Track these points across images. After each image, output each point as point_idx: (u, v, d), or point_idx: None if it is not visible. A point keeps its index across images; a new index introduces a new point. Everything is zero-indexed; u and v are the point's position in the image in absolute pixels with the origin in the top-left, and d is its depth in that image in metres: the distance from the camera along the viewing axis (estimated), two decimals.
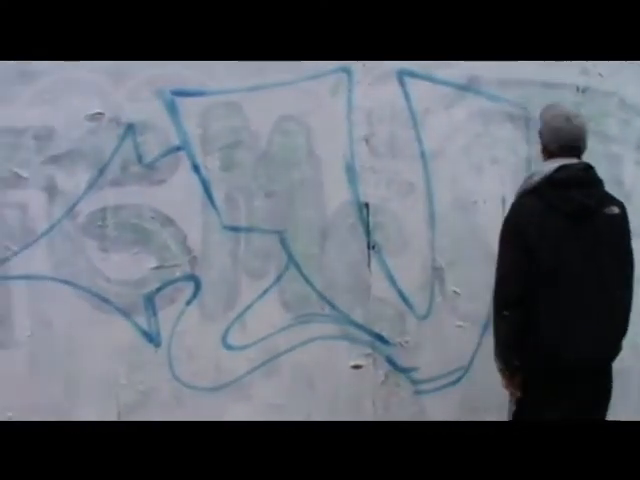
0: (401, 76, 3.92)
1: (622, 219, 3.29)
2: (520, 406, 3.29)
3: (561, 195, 3.15)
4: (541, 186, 3.20)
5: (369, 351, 3.97)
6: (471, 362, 4.08)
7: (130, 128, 3.65)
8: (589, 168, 3.27)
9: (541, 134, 3.38)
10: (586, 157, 3.89)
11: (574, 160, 3.24)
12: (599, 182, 3.29)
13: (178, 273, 3.74)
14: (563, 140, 3.26)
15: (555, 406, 3.14)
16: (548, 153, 3.33)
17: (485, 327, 4.05)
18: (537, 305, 3.15)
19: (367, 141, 3.89)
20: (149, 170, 3.68)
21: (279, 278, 3.83)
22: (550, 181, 3.18)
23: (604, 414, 3.34)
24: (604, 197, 3.28)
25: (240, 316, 3.80)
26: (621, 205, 3.31)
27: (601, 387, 3.31)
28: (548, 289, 3.14)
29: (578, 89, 4.16)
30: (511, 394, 3.36)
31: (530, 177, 3.30)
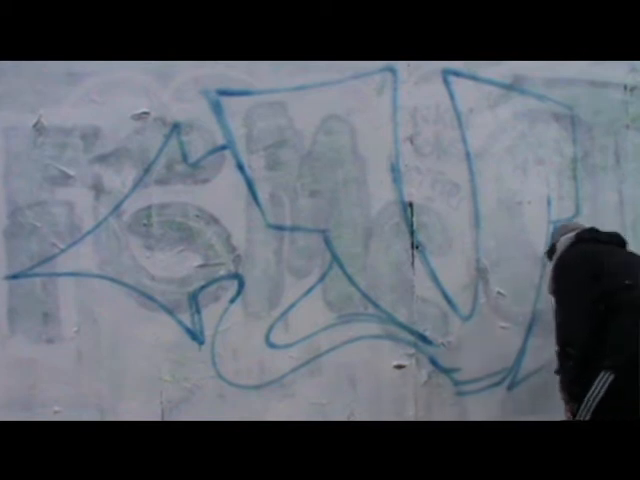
0: (446, 75, 3.90)
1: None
2: (604, 409, 3.26)
3: (599, 233, 3.48)
4: (578, 238, 3.45)
5: (412, 351, 3.96)
6: (515, 364, 4.05)
7: (176, 127, 3.69)
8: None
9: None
10: (633, 156, 3.91)
11: None
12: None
13: (222, 271, 3.76)
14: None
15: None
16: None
17: (529, 328, 4.03)
18: (616, 300, 3.18)
19: (412, 141, 3.88)
20: (194, 169, 3.71)
21: (323, 277, 3.83)
22: (582, 233, 3.48)
23: None
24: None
25: (283, 315, 3.81)
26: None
27: None
28: (628, 283, 3.19)
29: (626, 88, 4.11)
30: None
31: (559, 244, 3.52)
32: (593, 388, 3.27)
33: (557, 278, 3.39)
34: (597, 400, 3.24)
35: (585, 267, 3.26)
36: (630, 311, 3.18)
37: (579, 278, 3.26)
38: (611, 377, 3.19)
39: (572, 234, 3.47)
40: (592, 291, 3.21)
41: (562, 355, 3.32)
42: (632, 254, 3.40)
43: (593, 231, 3.48)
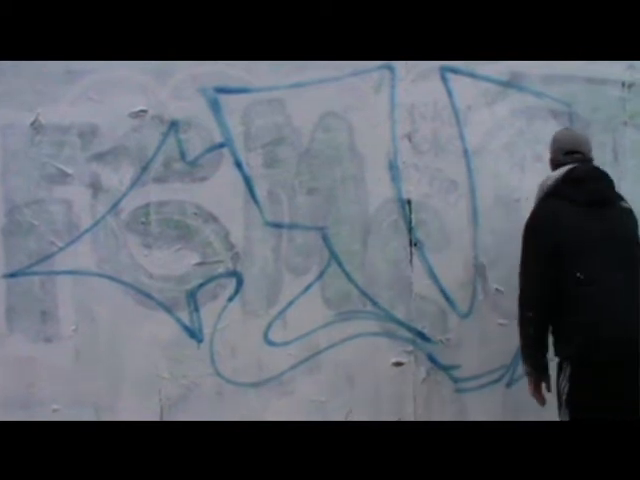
0: (443, 73, 3.90)
1: (633, 214, 3.45)
2: (574, 404, 3.28)
3: (577, 189, 3.32)
4: (557, 186, 3.37)
5: (410, 348, 3.97)
6: (513, 361, 4.05)
7: (173, 125, 3.68)
8: (598, 168, 3.46)
9: (551, 156, 3.59)
10: (631, 153, 3.91)
11: (576, 163, 3.44)
12: (610, 178, 3.44)
13: (220, 269, 3.76)
14: (564, 145, 3.51)
15: (607, 392, 3.17)
16: (555, 166, 3.52)
17: None
18: (574, 292, 3.24)
19: (409, 138, 3.88)
20: (192, 167, 3.70)
21: (321, 275, 3.83)
22: (565, 180, 3.36)
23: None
24: (616, 193, 3.47)
25: (282, 312, 3.82)
26: (627, 202, 3.47)
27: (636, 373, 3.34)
28: (584, 273, 3.23)
29: (624, 85, 4.11)
30: (538, 400, 3.42)
31: (544, 183, 3.45)
32: (560, 380, 3.30)
33: (523, 238, 3.43)
34: (566, 392, 3.28)
35: (544, 238, 3.30)
36: (576, 306, 3.23)
37: (537, 245, 3.33)
38: (568, 368, 3.24)
39: (550, 182, 3.43)
40: (548, 265, 3.27)
41: (523, 322, 3.37)
42: (603, 230, 3.30)
43: (570, 186, 3.36)
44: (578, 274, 3.22)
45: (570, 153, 3.45)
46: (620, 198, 3.44)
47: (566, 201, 3.31)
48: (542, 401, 3.41)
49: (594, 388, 3.19)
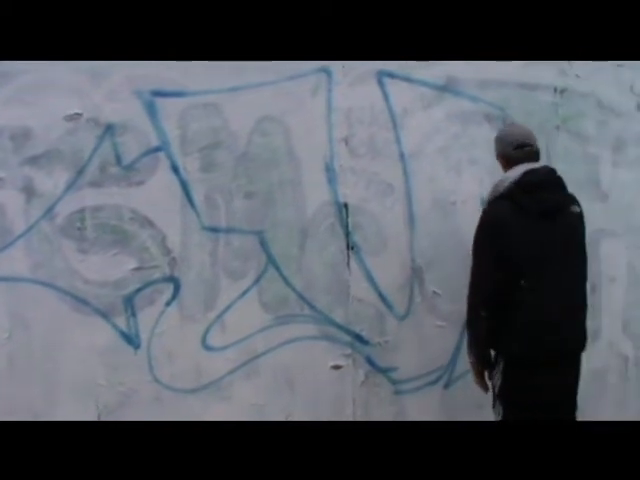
0: (380, 77, 3.92)
1: (582, 218, 3.47)
2: (505, 399, 3.35)
3: (531, 197, 3.30)
4: (511, 190, 3.35)
5: (349, 351, 3.98)
6: (451, 362, 4.10)
7: (109, 129, 3.64)
8: (553, 171, 3.45)
9: (497, 153, 3.58)
10: (564, 157, 3.97)
11: (536, 164, 3.42)
12: (563, 183, 3.45)
13: (157, 274, 3.73)
14: (514, 139, 3.48)
15: (538, 391, 3.24)
16: (507, 161, 3.50)
17: (464, 327, 4.07)
18: (518, 296, 3.28)
19: (346, 142, 3.89)
20: (128, 171, 3.66)
21: (258, 279, 3.83)
22: (519, 185, 3.34)
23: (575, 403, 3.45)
24: (568, 197, 3.45)
25: (220, 317, 3.80)
26: (579, 205, 3.47)
27: (575, 375, 3.44)
28: (528, 281, 3.28)
29: (556, 90, 4.19)
30: (482, 388, 3.48)
31: (499, 183, 3.43)
32: (493, 373, 3.38)
33: (475, 237, 3.42)
34: (498, 386, 3.35)
35: (493, 242, 3.31)
36: (519, 309, 3.29)
37: (488, 247, 3.33)
38: (502, 363, 3.32)
39: (505, 185, 3.39)
40: (497, 267, 3.29)
41: (475, 319, 3.38)
42: (552, 240, 3.33)
43: (524, 193, 3.33)
44: (522, 282, 3.27)
45: (520, 147, 3.44)
46: (572, 201, 3.45)
47: (518, 208, 3.30)
48: (486, 388, 3.46)
49: (525, 386, 3.26)
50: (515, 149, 3.45)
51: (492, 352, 3.43)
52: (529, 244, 3.28)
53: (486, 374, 3.45)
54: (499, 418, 3.39)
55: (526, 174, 3.35)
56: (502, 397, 3.35)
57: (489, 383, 3.45)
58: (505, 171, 3.49)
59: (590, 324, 3.50)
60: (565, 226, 3.37)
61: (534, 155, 3.46)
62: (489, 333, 3.35)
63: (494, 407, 3.41)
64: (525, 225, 3.28)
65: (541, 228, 3.29)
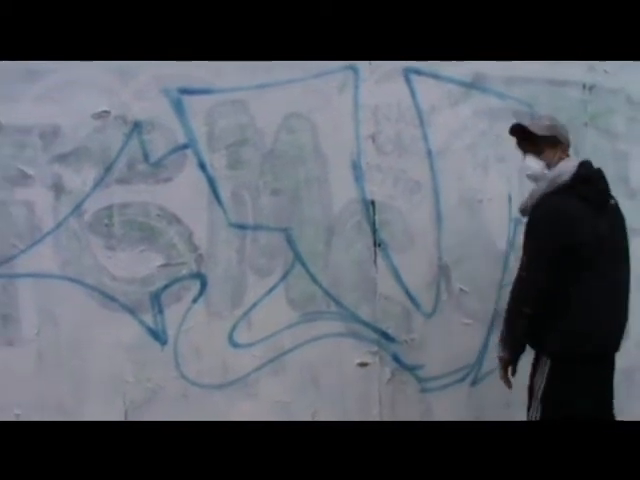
0: (407, 74, 3.92)
1: (621, 211, 3.43)
2: (549, 400, 3.30)
3: (589, 188, 3.25)
4: (573, 182, 3.26)
5: (375, 349, 3.98)
6: (477, 360, 4.09)
7: (137, 126, 3.65)
8: (593, 166, 3.39)
9: (556, 135, 3.40)
10: (592, 154, 3.94)
11: (577, 159, 3.38)
12: (605, 179, 3.39)
13: (184, 271, 3.74)
14: (566, 132, 3.41)
15: (585, 389, 3.21)
16: (566, 145, 3.41)
17: (491, 325, 4.07)
18: (570, 292, 3.21)
19: (373, 139, 3.89)
20: (155, 168, 3.67)
21: (285, 276, 3.83)
22: (579, 177, 3.26)
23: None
24: (609, 191, 3.41)
25: (246, 314, 3.81)
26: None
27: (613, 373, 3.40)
28: (584, 278, 3.20)
29: (584, 86, 4.16)
30: (506, 384, 3.41)
31: (555, 177, 3.30)
32: (536, 376, 3.33)
33: (531, 232, 3.31)
34: (542, 388, 3.31)
35: (557, 235, 3.19)
36: (579, 306, 3.22)
37: (549, 242, 3.21)
38: (548, 363, 3.27)
39: (565, 178, 3.28)
40: (558, 263, 3.19)
41: (516, 315, 3.29)
42: (608, 230, 3.27)
43: (582, 184, 3.26)
44: (582, 275, 3.20)
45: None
46: (611, 196, 3.40)
47: (578, 199, 3.22)
48: (509, 385, 3.41)
49: (571, 384, 3.21)
50: (567, 135, 3.41)
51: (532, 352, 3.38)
52: (595, 234, 3.19)
53: (509, 370, 3.39)
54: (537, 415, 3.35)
55: (581, 166, 3.29)
56: (545, 399, 3.28)
57: (512, 380, 3.40)
58: (557, 157, 3.38)
59: None
60: (612, 218, 3.33)
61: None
62: (531, 332, 3.27)
63: (530, 409, 3.36)
64: (588, 217, 3.20)
65: (600, 220, 3.23)
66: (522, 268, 3.28)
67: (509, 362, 3.38)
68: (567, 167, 3.30)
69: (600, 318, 3.22)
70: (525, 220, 3.36)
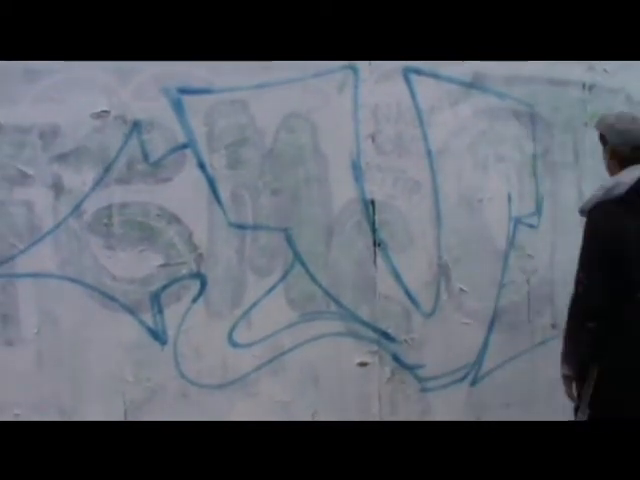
0: (407, 74, 3.91)
1: None
2: (596, 407, 3.23)
3: None
4: (628, 195, 3.15)
5: (375, 348, 3.98)
6: (477, 359, 4.09)
7: (136, 126, 3.65)
8: None
9: (606, 140, 3.30)
10: (592, 154, 3.94)
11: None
12: None
13: (184, 271, 3.74)
14: (633, 141, 3.22)
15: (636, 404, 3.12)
16: (621, 160, 3.26)
17: (491, 324, 4.07)
18: (630, 308, 3.13)
19: (373, 139, 3.88)
20: (155, 168, 3.67)
21: (285, 275, 3.83)
22: (636, 190, 3.14)
23: None
24: None
25: (246, 314, 3.80)
26: None
27: None
28: (631, 288, 3.12)
29: (584, 86, 4.16)
30: (572, 400, 3.33)
31: (613, 187, 3.19)
32: (586, 382, 3.28)
33: (587, 245, 3.21)
34: (589, 397, 3.27)
35: (613, 250, 3.11)
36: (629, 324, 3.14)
37: (605, 257, 3.12)
38: (595, 371, 3.22)
39: (620, 191, 3.15)
40: (616, 276, 3.11)
41: (580, 332, 3.19)
42: None
43: (637, 198, 3.13)
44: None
45: (638, 148, 3.21)
46: None
47: (634, 212, 3.11)
48: (575, 400, 3.30)
49: (619, 393, 3.15)
50: (632, 151, 3.21)
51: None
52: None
53: (574, 385, 3.30)
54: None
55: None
56: (594, 405, 3.20)
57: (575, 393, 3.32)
58: (612, 166, 3.28)
59: None
60: None
61: None
62: (598, 347, 3.17)
63: (576, 415, 3.31)
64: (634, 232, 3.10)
65: None
66: (578, 282, 3.20)
67: (573, 379, 3.28)
68: (623, 180, 3.18)
69: None
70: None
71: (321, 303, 3.89)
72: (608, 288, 3.10)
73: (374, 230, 3.91)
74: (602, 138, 3.33)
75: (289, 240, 3.82)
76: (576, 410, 3.33)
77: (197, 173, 3.71)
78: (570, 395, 3.33)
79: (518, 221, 4.10)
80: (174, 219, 3.70)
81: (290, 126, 3.80)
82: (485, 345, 4.09)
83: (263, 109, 3.75)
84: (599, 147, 3.65)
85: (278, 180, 3.80)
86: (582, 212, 3.31)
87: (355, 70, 3.83)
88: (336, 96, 3.83)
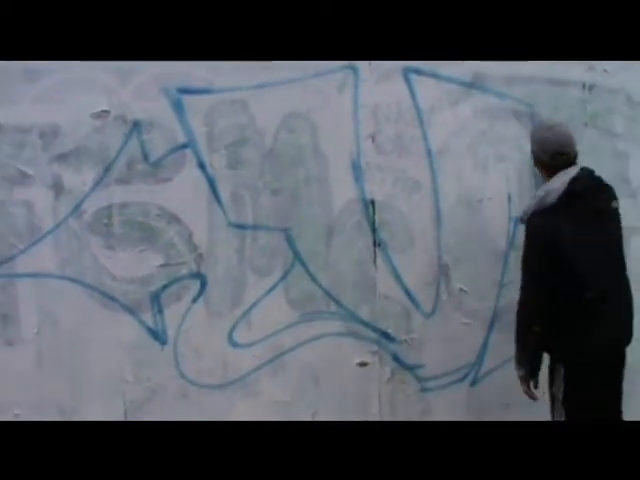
0: (407, 73, 3.91)
1: (619, 214, 3.49)
2: (571, 404, 3.37)
3: (580, 206, 3.29)
4: (560, 201, 3.31)
5: (375, 348, 3.98)
6: (477, 360, 4.09)
7: (136, 126, 3.65)
8: (592, 172, 3.44)
9: (532, 152, 3.55)
10: (592, 154, 3.92)
11: (575, 170, 3.39)
12: (606, 185, 3.46)
13: (184, 271, 3.74)
14: (550, 147, 3.42)
15: (602, 389, 3.30)
16: (544, 167, 3.49)
17: (491, 325, 4.07)
18: (568, 304, 3.31)
19: (373, 139, 3.88)
20: (155, 168, 3.67)
21: (285, 275, 3.83)
22: (567, 195, 3.30)
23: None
24: (609, 195, 3.45)
25: (246, 314, 3.81)
26: (617, 198, 3.48)
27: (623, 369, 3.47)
28: (578, 289, 3.29)
29: (584, 86, 4.15)
30: (531, 398, 3.49)
31: (544, 196, 3.36)
32: (554, 385, 3.37)
33: (526, 254, 3.40)
34: (561, 395, 3.34)
35: (551, 256, 3.27)
36: (582, 319, 3.30)
37: (545, 263, 3.29)
38: (562, 369, 3.31)
39: (551, 199, 3.34)
40: (555, 282, 3.28)
41: (526, 335, 3.38)
42: (605, 241, 3.37)
43: (573, 202, 3.31)
44: (588, 292, 3.28)
45: (558, 155, 3.41)
46: (612, 196, 3.45)
47: (568, 217, 3.28)
48: (535, 397, 3.48)
49: (588, 386, 3.29)
50: (551, 158, 3.42)
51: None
52: (588, 250, 3.27)
53: (532, 383, 3.48)
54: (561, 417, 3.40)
55: (570, 183, 3.32)
56: (567, 403, 3.35)
57: (535, 392, 3.48)
58: (544, 175, 3.49)
59: None
60: (608, 225, 3.39)
61: (572, 161, 3.44)
62: (543, 349, 3.41)
63: (553, 416, 3.43)
64: (579, 233, 3.26)
65: (594, 231, 3.30)
66: (521, 287, 3.40)
67: (528, 378, 3.45)
68: (552, 188, 3.36)
69: (600, 320, 3.28)
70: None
71: (321, 303, 3.89)
72: (549, 291, 3.28)
73: (374, 230, 3.91)
74: (531, 152, 3.57)
75: (289, 240, 3.82)
76: (552, 410, 3.39)
77: (197, 173, 3.71)
78: (527, 393, 3.43)
79: (518, 221, 4.10)
80: (174, 219, 3.70)
81: (290, 126, 3.80)
82: (485, 345, 4.09)
83: (263, 109, 3.75)
84: (599, 147, 3.68)
85: (278, 180, 3.80)
86: (521, 220, 3.52)
87: (355, 70, 3.83)
88: (336, 96, 3.83)
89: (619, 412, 3.43)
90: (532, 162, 3.60)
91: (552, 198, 3.32)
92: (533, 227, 3.37)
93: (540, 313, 3.32)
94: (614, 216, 3.44)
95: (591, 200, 3.32)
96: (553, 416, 3.43)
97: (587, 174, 3.41)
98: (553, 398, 3.43)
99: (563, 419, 3.35)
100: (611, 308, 3.32)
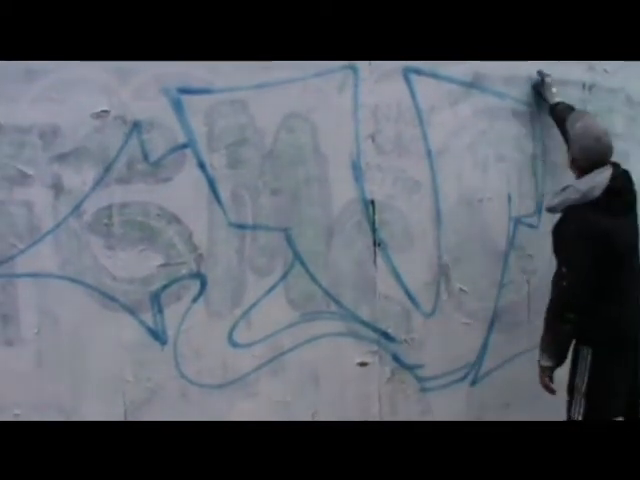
0: (407, 73, 3.91)
1: None
2: (590, 392, 3.44)
3: (618, 201, 3.44)
4: (605, 197, 3.42)
5: (375, 348, 3.98)
6: (477, 359, 4.09)
7: (136, 126, 3.64)
8: (626, 171, 3.59)
9: (569, 146, 3.64)
10: None
11: (609, 167, 3.51)
12: (632, 182, 3.61)
13: (184, 271, 3.73)
14: (592, 159, 3.51)
15: (622, 374, 3.42)
16: (579, 169, 3.59)
17: (491, 324, 4.07)
18: (602, 292, 3.40)
19: (373, 138, 3.88)
20: (155, 168, 3.66)
21: (285, 275, 3.83)
22: (609, 190, 3.42)
23: None
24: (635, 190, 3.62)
25: (246, 314, 3.80)
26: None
27: None
28: (613, 280, 3.41)
29: (584, 86, 4.16)
30: (549, 391, 3.53)
31: (590, 190, 3.45)
32: (579, 372, 3.39)
33: (565, 246, 3.51)
34: (584, 386, 3.36)
35: (592, 249, 3.37)
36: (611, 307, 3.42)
37: (585, 256, 3.39)
38: (589, 357, 3.35)
39: (596, 192, 3.45)
40: (594, 274, 3.38)
41: (561, 322, 3.44)
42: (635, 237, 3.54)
43: (612, 198, 3.45)
44: (620, 280, 3.42)
45: (600, 163, 3.51)
46: (636, 192, 3.61)
47: (608, 210, 3.40)
48: (554, 391, 3.51)
49: (611, 374, 3.38)
50: (592, 166, 3.52)
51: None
52: (624, 245, 3.42)
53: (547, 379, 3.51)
54: (578, 418, 3.42)
55: (612, 180, 3.45)
56: (589, 393, 3.42)
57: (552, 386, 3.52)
58: (576, 170, 3.59)
59: None
60: (636, 222, 3.57)
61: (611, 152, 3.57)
62: (574, 337, 3.48)
63: (571, 407, 3.44)
64: (618, 225, 3.39)
65: (628, 226, 3.49)
66: (561, 278, 3.46)
67: (553, 369, 3.49)
68: (598, 182, 3.46)
69: (628, 310, 3.44)
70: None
71: (321, 303, 3.89)
72: (592, 287, 3.37)
73: (374, 230, 3.91)
74: (566, 141, 3.67)
75: (289, 240, 3.82)
76: (569, 406, 3.39)
77: (197, 173, 3.71)
78: (546, 386, 3.44)
79: (518, 221, 4.11)
80: (174, 219, 3.69)
81: (290, 126, 3.79)
82: (485, 345, 4.10)
83: (263, 109, 3.74)
84: None
85: (278, 180, 3.80)
86: (552, 210, 3.61)
87: (355, 70, 3.83)
88: (336, 96, 3.83)
89: (637, 406, 3.50)
90: (533, 162, 3.61)
91: (597, 192, 3.42)
92: (580, 220, 3.44)
93: (578, 301, 3.39)
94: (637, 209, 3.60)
95: (627, 198, 3.49)
96: (570, 411, 3.44)
97: (622, 172, 3.54)
98: (572, 391, 3.45)
99: (581, 414, 3.37)
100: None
